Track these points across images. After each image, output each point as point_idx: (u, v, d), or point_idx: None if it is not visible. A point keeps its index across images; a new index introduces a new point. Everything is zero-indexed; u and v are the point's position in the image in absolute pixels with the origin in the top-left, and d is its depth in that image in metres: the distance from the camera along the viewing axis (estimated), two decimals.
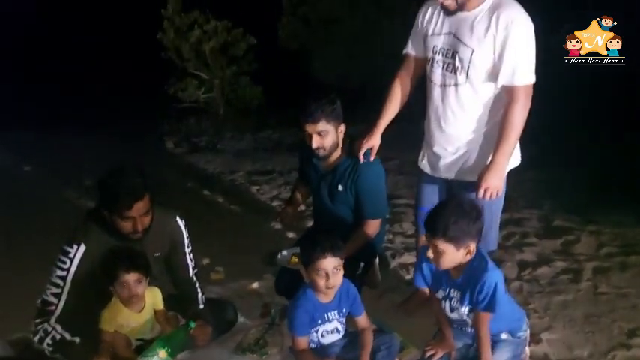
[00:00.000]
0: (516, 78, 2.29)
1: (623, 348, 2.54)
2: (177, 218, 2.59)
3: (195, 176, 5.68)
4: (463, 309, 2.14)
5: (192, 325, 2.36)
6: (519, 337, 2.25)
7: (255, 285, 3.22)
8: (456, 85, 2.40)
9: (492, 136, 2.39)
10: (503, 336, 2.24)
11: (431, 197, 2.70)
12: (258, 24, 8.36)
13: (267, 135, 7.62)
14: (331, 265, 2.22)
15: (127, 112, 7.95)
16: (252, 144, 7.28)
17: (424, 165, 2.69)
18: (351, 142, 2.79)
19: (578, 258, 3.46)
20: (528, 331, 2.33)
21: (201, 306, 2.62)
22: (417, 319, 2.70)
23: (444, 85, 2.44)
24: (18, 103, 8.13)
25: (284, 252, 2.92)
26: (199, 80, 8.28)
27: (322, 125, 2.62)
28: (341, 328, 2.44)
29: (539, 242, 3.71)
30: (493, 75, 2.32)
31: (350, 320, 2.45)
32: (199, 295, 2.65)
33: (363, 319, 2.42)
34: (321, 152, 2.71)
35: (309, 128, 2.64)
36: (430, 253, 2.07)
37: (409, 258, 3.52)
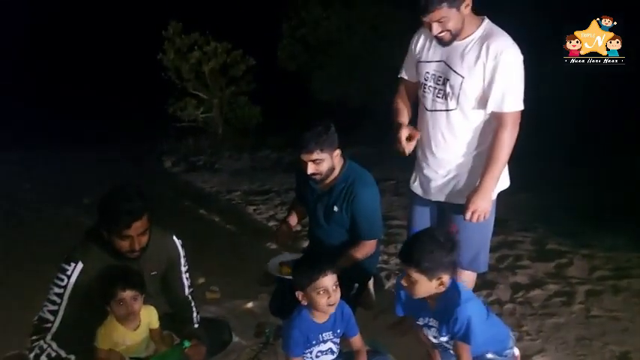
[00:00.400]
0: (505, 105, 2.36)
1: None
2: (174, 237, 2.62)
3: (192, 195, 5.72)
4: (443, 338, 2.17)
5: (187, 344, 2.39)
6: (506, 356, 2.28)
7: (250, 305, 3.24)
8: (446, 110, 2.47)
9: (482, 161, 2.45)
10: (489, 356, 2.26)
11: (422, 219, 2.74)
12: (257, 45, 8.48)
13: (265, 154, 7.68)
14: (331, 282, 2.24)
15: (127, 131, 8.02)
16: (250, 163, 7.33)
17: (415, 187, 2.74)
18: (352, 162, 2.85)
19: (570, 281, 3.49)
20: (516, 350, 2.36)
21: (196, 325, 2.64)
22: (410, 340, 2.72)
23: (434, 111, 2.51)
24: (18, 122, 8.20)
25: (274, 260, 2.97)
26: (198, 100, 8.36)
27: (317, 154, 2.68)
28: (335, 348, 2.45)
29: (533, 265, 3.74)
30: (483, 102, 2.39)
31: (344, 341, 2.47)
32: (194, 314, 2.67)
33: (357, 340, 2.45)
34: (317, 177, 2.78)
35: (305, 157, 2.70)
36: (404, 282, 2.13)
37: None
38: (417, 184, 2.74)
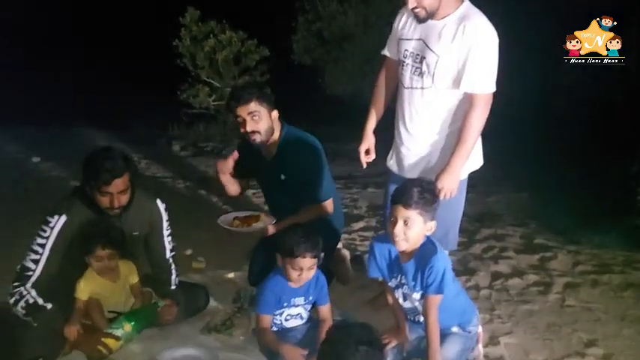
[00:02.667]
0: (477, 86, 2.42)
1: (578, 356, 2.61)
2: (158, 201, 2.73)
3: (194, 177, 5.83)
4: (414, 295, 2.23)
5: (160, 304, 2.49)
6: (469, 332, 2.34)
7: (231, 275, 3.34)
8: (422, 88, 2.53)
9: (454, 140, 2.51)
10: (454, 329, 2.32)
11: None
12: (273, 37, 8.56)
13: None
14: (307, 264, 2.35)
15: (139, 113, 8.18)
16: None
17: (392, 164, 2.82)
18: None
19: (551, 273, 3.52)
20: (480, 328, 2.42)
21: (173, 287, 2.74)
22: (384, 315, 2.79)
23: (411, 88, 2.57)
24: (31, 100, 8.41)
25: (227, 215, 3.00)
26: (211, 88, 8.47)
27: (254, 106, 2.71)
28: (304, 315, 2.54)
29: (516, 257, 3.78)
30: (457, 81, 2.45)
31: (314, 309, 2.55)
32: (173, 276, 2.77)
33: (325, 310, 2.53)
34: (257, 137, 2.77)
35: (241, 111, 2.72)
36: (399, 229, 2.13)
37: None
38: (392, 161, 2.81)
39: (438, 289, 2.16)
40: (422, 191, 2.14)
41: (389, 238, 2.23)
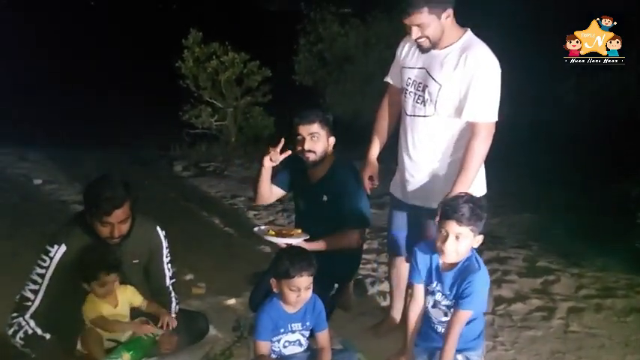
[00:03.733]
0: (479, 115, 2.44)
1: None
2: (158, 228, 2.72)
3: (195, 198, 5.83)
4: (446, 302, 2.25)
5: (158, 333, 2.47)
6: None
7: (232, 301, 3.31)
8: (424, 116, 2.54)
9: (457, 168, 2.51)
10: (458, 357, 2.29)
11: (400, 221, 2.81)
12: (275, 58, 8.63)
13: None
14: (305, 283, 2.33)
15: (140, 134, 8.21)
16: None
17: (395, 190, 2.82)
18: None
19: (554, 297, 3.49)
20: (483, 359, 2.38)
21: (173, 315, 2.72)
22: (385, 343, 2.77)
23: (413, 115, 2.59)
24: (35, 121, 8.45)
25: (263, 227, 3.00)
26: (213, 108, 8.51)
27: (316, 127, 2.79)
28: (303, 341, 2.51)
29: (519, 280, 3.75)
30: (459, 110, 2.47)
31: (313, 337, 2.52)
32: (173, 304, 2.75)
33: (323, 336, 2.50)
34: (312, 156, 2.84)
35: (303, 130, 2.79)
36: (450, 243, 2.17)
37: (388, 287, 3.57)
38: (395, 187, 2.82)
39: (470, 305, 2.18)
40: (473, 208, 2.18)
41: (431, 247, 2.30)
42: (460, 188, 2.43)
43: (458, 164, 2.52)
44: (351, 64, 8.82)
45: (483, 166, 2.60)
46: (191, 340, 2.76)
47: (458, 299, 2.21)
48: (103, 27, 11.80)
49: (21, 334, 2.38)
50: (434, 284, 2.32)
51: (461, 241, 2.19)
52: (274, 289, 2.39)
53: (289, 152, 2.91)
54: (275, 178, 3.11)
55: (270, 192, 3.12)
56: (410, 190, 2.69)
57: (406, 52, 2.67)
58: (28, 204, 5.34)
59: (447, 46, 2.48)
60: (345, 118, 8.73)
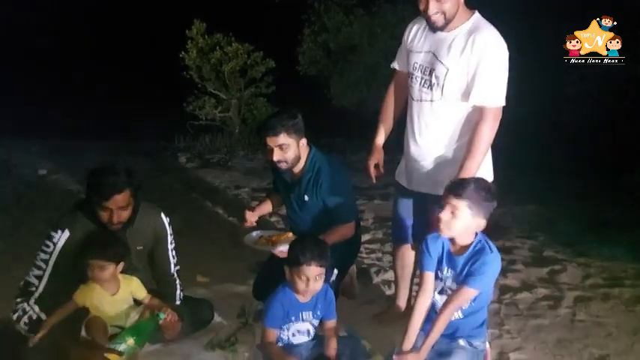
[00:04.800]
0: (487, 99, 2.40)
1: None
2: (162, 215, 2.70)
3: (200, 189, 5.81)
4: (455, 287, 2.21)
5: (162, 316, 2.45)
6: (476, 348, 2.28)
7: (236, 289, 3.31)
8: (431, 100, 2.51)
9: (463, 154, 2.48)
10: (461, 343, 2.27)
11: (406, 209, 2.78)
12: (279, 49, 8.60)
13: None
14: (314, 273, 2.29)
15: (144, 126, 8.19)
16: (263, 163, 7.39)
17: (400, 177, 2.79)
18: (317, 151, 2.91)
19: (561, 287, 3.46)
20: (488, 345, 2.36)
21: (178, 302, 2.71)
22: (389, 330, 2.76)
23: (420, 100, 2.55)
24: (37, 111, 8.44)
25: (253, 234, 2.97)
26: (217, 99, 8.50)
27: (283, 138, 2.73)
28: (312, 331, 2.49)
29: (525, 270, 3.73)
30: (466, 94, 2.43)
31: (320, 325, 2.51)
32: (177, 291, 2.74)
33: (332, 325, 2.48)
34: (283, 165, 2.81)
35: (270, 141, 2.74)
36: (446, 214, 2.15)
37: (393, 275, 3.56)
38: (401, 174, 2.78)
39: (477, 284, 2.14)
40: (477, 187, 2.15)
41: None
42: (467, 172, 2.40)
43: (464, 150, 2.48)
44: (356, 55, 8.77)
45: (490, 152, 2.57)
46: (196, 327, 2.76)
47: (466, 276, 2.17)
48: (107, 15, 11.75)
49: (25, 319, 2.37)
50: (445, 270, 2.28)
51: (457, 217, 2.14)
52: (287, 277, 2.36)
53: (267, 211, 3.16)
54: (274, 185, 3.20)
55: (277, 202, 3.20)
56: (416, 177, 2.67)
57: (413, 35, 2.63)
58: (33, 194, 5.34)
59: (455, 28, 2.44)
60: (349, 108, 8.72)
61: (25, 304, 2.40)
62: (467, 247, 2.22)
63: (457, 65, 2.41)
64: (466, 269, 2.20)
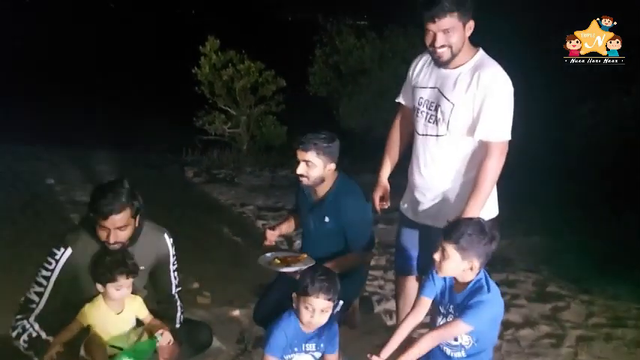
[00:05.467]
0: (492, 134, 2.41)
1: None
2: (166, 235, 2.70)
3: (205, 205, 5.83)
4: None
5: (159, 338, 2.43)
6: None
7: (236, 312, 3.29)
8: (437, 135, 2.53)
9: (468, 189, 2.48)
10: None
11: (410, 241, 2.78)
12: (290, 68, 8.67)
13: (284, 174, 7.77)
14: (320, 306, 2.25)
15: (153, 138, 8.26)
16: (269, 181, 7.43)
17: (405, 209, 2.79)
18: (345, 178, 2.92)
19: (564, 324, 3.43)
20: None
21: (177, 325, 2.69)
22: None
23: (425, 135, 2.57)
24: (50, 120, 8.53)
25: (268, 255, 2.95)
26: (227, 115, 8.56)
27: (311, 155, 2.75)
28: None
29: (528, 305, 3.69)
30: (472, 129, 2.44)
31: (321, 358, 2.47)
32: (178, 313, 2.72)
33: (333, 358, 2.45)
34: (304, 180, 2.82)
35: (299, 154, 2.77)
36: (437, 256, 2.18)
37: (394, 306, 3.53)
38: (406, 206, 2.78)
39: (470, 319, 2.12)
40: (469, 230, 2.15)
41: None
42: (473, 207, 2.41)
43: (470, 184, 2.49)
44: (366, 77, 8.82)
45: (495, 187, 2.57)
46: (194, 351, 2.73)
47: (461, 310, 2.17)
48: (121, 29, 11.92)
49: (25, 336, 2.36)
50: (447, 306, 2.28)
51: (446, 259, 2.16)
52: (294, 304, 2.33)
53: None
54: (295, 203, 3.19)
55: (292, 223, 3.19)
56: (421, 209, 2.67)
57: (418, 71, 2.66)
58: (40, 203, 5.37)
59: (460, 65, 2.47)
60: (357, 130, 8.74)
61: (25, 322, 2.39)
62: (466, 284, 2.22)
63: (463, 101, 2.44)
64: (463, 306, 2.20)
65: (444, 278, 2.30)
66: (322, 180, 2.83)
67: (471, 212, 2.41)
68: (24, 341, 2.37)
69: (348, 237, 2.87)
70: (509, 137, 2.45)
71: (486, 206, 2.52)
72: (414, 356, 2.18)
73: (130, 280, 2.41)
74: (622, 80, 6.31)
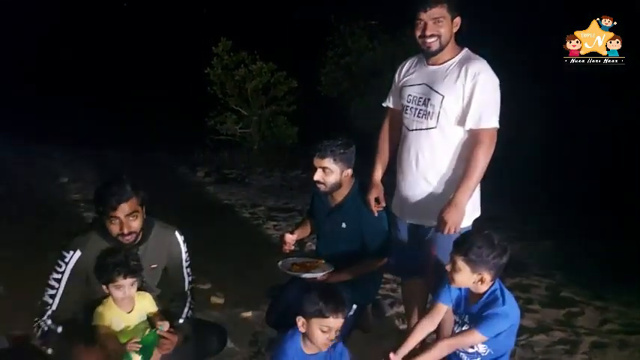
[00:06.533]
0: (482, 122, 2.47)
1: None
2: (177, 233, 2.70)
3: (217, 205, 5.85)
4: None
5: (162, 328, 2.42)
6: None
7: (250, 314, 3.30)
8: (427, 129, 2.58)
9: (453, 188, 2.51)
10: None
11: (399, 239, 2.79)
12: (301, 69, 8.69)
13: (295, 174, 7.79)
14: (338, 324, 2.19)
15: (165, 137, 8.30)
16: (280, 181, 7.45)
17: (394, 208, 2.81)
18: (361, 185, 2.90)
19: (578, 331, 3.40)
20: None
21: (181, 321, 2.64)
22: None
23: (414, 130, 2.61)
24: (62, 120, 8.60)
25: (287, 260, 2.96)
26: (238, 115, 8.60)
27: (328, 162, 2.75)
28: None
29: (542, 310, 3.67)
30: (461, 120, 2.51)
31: None
32: (186, 309, 2.69)
33: None
34: (322, 187, 2.82)
35: (316, 161, 2.78)
36: (448, 267, 2.22)
37: None
38: (395, 204, 2.81)
39: (484, 329, 2.13)
40: (479, 244, 2.16)
41: None
42: (463, 194, 2.44)
43: (455, 184, 2.52)
44: (378, 78, 8.82)
45: (479, 186, 2.59)
46: (209, 352, 2.74)
47: (477, 320, 2.18)
48: (134, 28, 11.99)
49: (39, 333, 2.40)
50: (462, 315, 2.29)
51: (456, 271, 2.19)
52: (301, 329, 2.23)
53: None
54: (311, 207, 3.18)
55: (308, 228, 3.18)
56: (408, 206, 2.70)
57: (405, 71, 2.73)
58: (53, 202, 5.41)
59: (447, 60, 2.56)
60: (368, 131, 8.74)
61: (42, 322, 2.43)
62: (481, 295, 2.22)
63: (452, 92, 2.50)
64: (478, 316, 2.21)
65: (459, 288, 2.31)
66: (339, 186, 2.83)
67: (462, 198, 2.45)
68: (39, 337, 2.39)
69: (365, 243, 2.86)
70: (497, 125, 2.50)
71: (469, 204, 2.52)
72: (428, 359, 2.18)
73: (130, 279, 2.41)
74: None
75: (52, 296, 2.44)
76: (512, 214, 5.53)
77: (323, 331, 2.17)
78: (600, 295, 3.93)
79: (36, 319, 2.45)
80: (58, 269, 2.45)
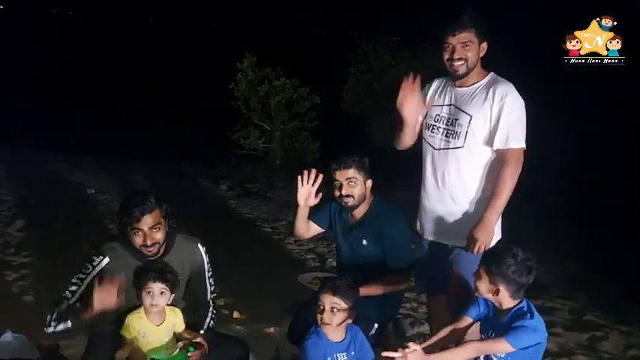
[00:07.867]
0: (510, 142, 2.50)
1: None
2: (199, 245, 2.75)
3: (238, 220, 5.91)
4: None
5: (192, 349, 2.47)
6: None
7: (272, 330, 3.33)
8: (454, 148, 2.60)
9: (479, 208, 2.54)
10: None
11: (426, 260, 2.81)
12: (324, 85, 8.77)
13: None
14: (328, 301, 2.34)
15: (189, 150, 8.43)
16: None
17: (417, 226, 2.84)
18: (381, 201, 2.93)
19: (602, 355, 3.36)
20: None
21: (202, 331, 2.69)
22: None
23: (441, 149, 2.64)
24: (87, 131, 8.78)
25: (307, 274, 3.01)
26: (261, 130, 8.69)
27: (352, 172, 2.78)
28: None
29: (565, 334, 3.63)
30: (489, 140, 2.54)
31: None
32: (207, 319, 2.71)
33: None
34: (350, 201, 2.82)
35: (340, 175, 2.79)
36: (476, 280, 2.25)
37: (428, 329, 3.52)
38: (417, 222, 2.83)
39: (512, 339, 2.12)
40: (503, 257, 2.18)
41: None
42: (493, 213, 2.47)
43: (481, 204, 2.55)
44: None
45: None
46: None
47: (506, 330, 2.17)
48: (160, 43, 12.24)
49: (54, 315, 2.44)
50: (489, 332, 2.29)
51: (478, 280, 2.23)
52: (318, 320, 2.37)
53: (320, 178, 2.81)
54: (314, 215, 3.06)
55: (307, 229, 3.09)
56: (431, 224, 2.73)
57: (433, 91, 2.76)
58: (80, 213, 5.52)
59: (474, 83, 2.60)
60: (387, 148, 8.76)
61: (57, 308, 2.47)
62: (507, 311, 2.23)
63: (480, 112, 2.54)
64: (506, 328, 2.20)
65: (487, 304, 2.32)
66: (364, 198, 2.85)
67: (491, 217, 2.47)
68: (53, 320, 2.44)
69: (387, 261, 2.87)
70: (524, 145, 2.53)
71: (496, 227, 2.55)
72: (452, 358, 2.21)
73: (159, 285, 2.45)
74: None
75: (73, 292, 2.51)
76: (534, 233, 5.49)
77: (318, 308, 2.35)
78: (625, 320, 3.88)
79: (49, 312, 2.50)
80: (85, 270, 2.52)
